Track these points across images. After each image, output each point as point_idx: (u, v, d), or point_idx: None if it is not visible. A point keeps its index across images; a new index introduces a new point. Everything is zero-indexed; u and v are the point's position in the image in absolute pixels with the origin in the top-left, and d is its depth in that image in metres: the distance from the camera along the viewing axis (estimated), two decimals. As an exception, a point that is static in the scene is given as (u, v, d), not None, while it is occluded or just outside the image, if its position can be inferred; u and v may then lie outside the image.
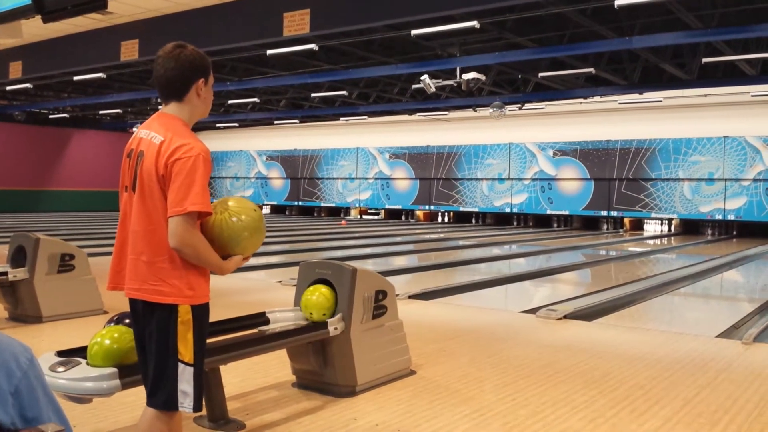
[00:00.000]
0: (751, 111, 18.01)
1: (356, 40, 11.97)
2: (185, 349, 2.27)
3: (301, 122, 24.64)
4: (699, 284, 9.73)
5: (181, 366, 2.27)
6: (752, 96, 16.73)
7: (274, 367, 4.29)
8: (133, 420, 3.13)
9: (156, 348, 2.29)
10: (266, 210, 29.03)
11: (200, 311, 2.32)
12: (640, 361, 4.73)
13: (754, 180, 17.93)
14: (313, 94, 18.04)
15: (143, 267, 2.28)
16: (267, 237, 16.48)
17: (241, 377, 4.01)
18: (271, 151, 28.02)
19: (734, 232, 18.92)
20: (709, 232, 19.37)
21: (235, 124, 25.94)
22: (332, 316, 3.76)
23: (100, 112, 23.33)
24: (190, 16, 10.98)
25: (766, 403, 3.77)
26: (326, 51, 13.09)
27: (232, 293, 7.19)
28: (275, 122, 24.71)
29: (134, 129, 20.52)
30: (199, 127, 28.14)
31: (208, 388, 3.18)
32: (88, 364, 2.74)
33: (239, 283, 7.97)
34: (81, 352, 2.84)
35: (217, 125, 26.41)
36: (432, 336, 5.41)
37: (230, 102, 19.76)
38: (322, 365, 3.81)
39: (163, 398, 2.30)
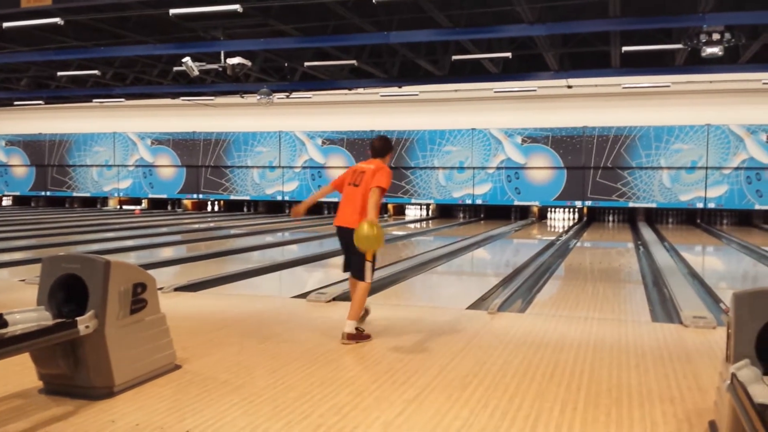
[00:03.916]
0: (494, 106, 20.08)
1: (109, 16, 11.08)
2: (368, 254, 4.84)
3: (46, 104, 22.20)
4: (453, 262, 10.62)
5: (367, 263, 4.89)
6: (495, 92, 18.66)
7: (16, 373, 3.82)
8: None
9: (358, 253, 4.82)
10: (7, 202, 25.81)
11: None
12: (401, 335, 5.03)
13: (497, 168, 20.05)
14: (60, 73, 16.32)
15: (356, 215, 4.90)
16: (8, 232, 14.49)
17: (-27, 390, 3.50)
18: (11, 136, 24.94)
19: (482, 215, 21.00)
20: (461, 215, 21.29)
21: (-35, 105, 22.64)
22: None
23: None
24: None
25: (509, 366, 4.22)
26: (74, 26, 11.91)
27: (-38, 296, 6.27)
28: (15, 103, 22.00)
29: None
30: None
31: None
32: None
33: (-28, 284, 6.98)
34: None
35: (-59, 105, 22.81)
36: (199, 328, 5.22)
37: (-42, 79, 17.18)
38: (73, 367, 3.47)
39: (360, 276, 4.93)
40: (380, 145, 5.19)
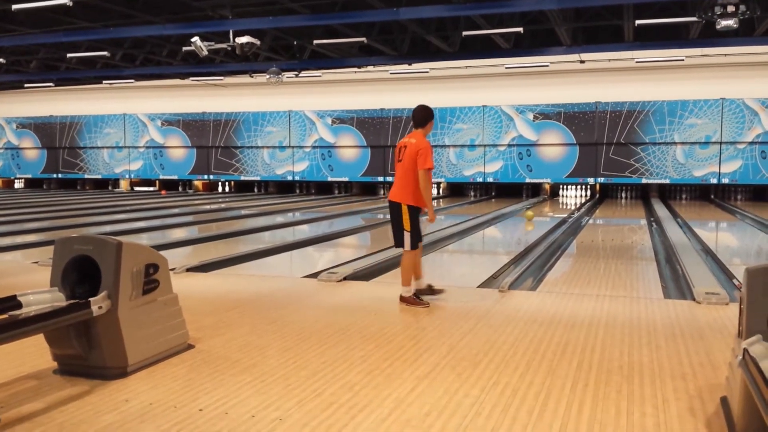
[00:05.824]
0: (505, 82, 19.89)
1: (117, -4, 11.04)
2: (406, 224, 5.28)
3: (56, 86, 22.26)
4: (464, 241, 10.60)
5: (405, 233, 5.28)
6: (506, 68, 18.47)
7: (31, 354, 3.87)
8: None
9: (396, 224, 5.38)
10: (20, 184, 26.02)
11: (413, 209, 5.30)
12: (412, 313, 5.04)
13: (509, 145, 19.92)
14: (69, 55, 16.32)
15: (401, 190, 5.28)
16: (21, 214, 14.56)
17: (-10, 370, 3.55)
18: (22, 118, 25.05)
19: (493, 193, 20.92)
20: (472, 193, 21.21)
21: (-23, 88, 22.72)
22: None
23: None
24: None
25: (520, 344, 4.22)
26: (83, 7, 11.88)
27: (-23, 278, 6.34)
28: (26, 86, 22.06)
29: None
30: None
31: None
32: None
33: (-13, 266, 7.06)
34: None
35: (-47, 88, 22.92)
36: (211, 308, 5.25)
37: (-32, 62, 17.21)
38: (87, 348, 3.50)
39: (402, 245, 5.32)
40: (420, 115, 5.35)
